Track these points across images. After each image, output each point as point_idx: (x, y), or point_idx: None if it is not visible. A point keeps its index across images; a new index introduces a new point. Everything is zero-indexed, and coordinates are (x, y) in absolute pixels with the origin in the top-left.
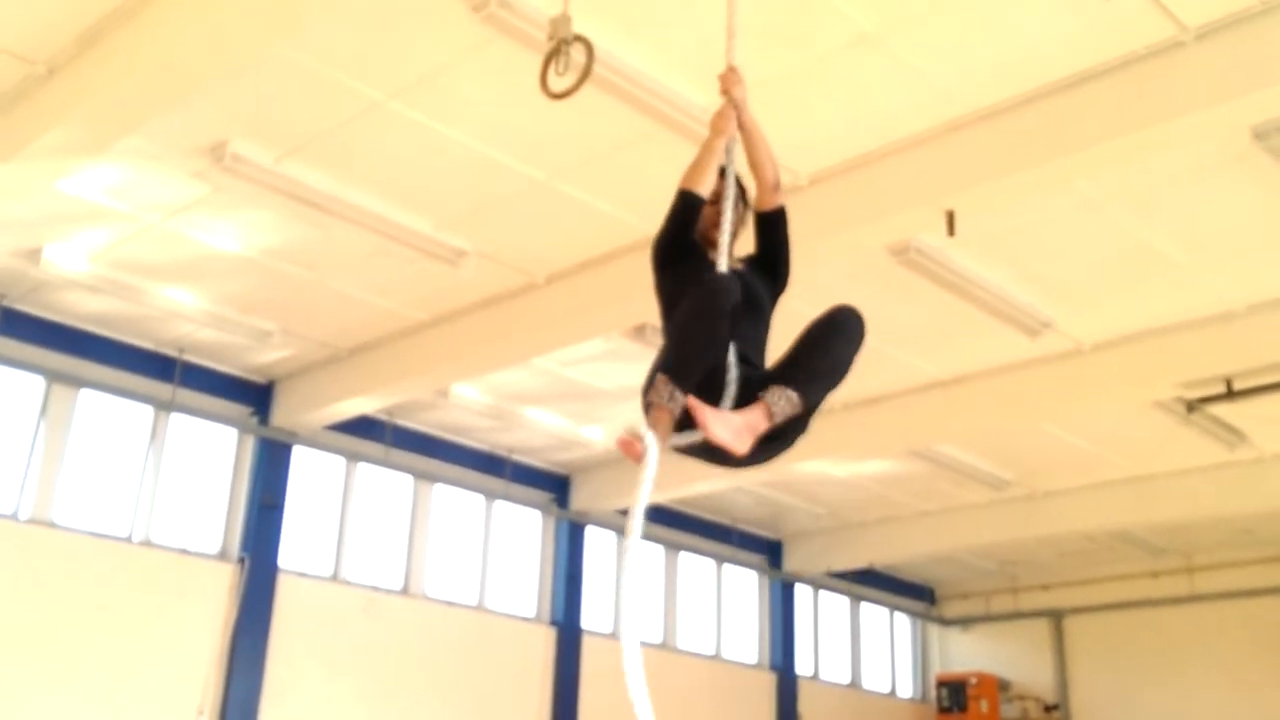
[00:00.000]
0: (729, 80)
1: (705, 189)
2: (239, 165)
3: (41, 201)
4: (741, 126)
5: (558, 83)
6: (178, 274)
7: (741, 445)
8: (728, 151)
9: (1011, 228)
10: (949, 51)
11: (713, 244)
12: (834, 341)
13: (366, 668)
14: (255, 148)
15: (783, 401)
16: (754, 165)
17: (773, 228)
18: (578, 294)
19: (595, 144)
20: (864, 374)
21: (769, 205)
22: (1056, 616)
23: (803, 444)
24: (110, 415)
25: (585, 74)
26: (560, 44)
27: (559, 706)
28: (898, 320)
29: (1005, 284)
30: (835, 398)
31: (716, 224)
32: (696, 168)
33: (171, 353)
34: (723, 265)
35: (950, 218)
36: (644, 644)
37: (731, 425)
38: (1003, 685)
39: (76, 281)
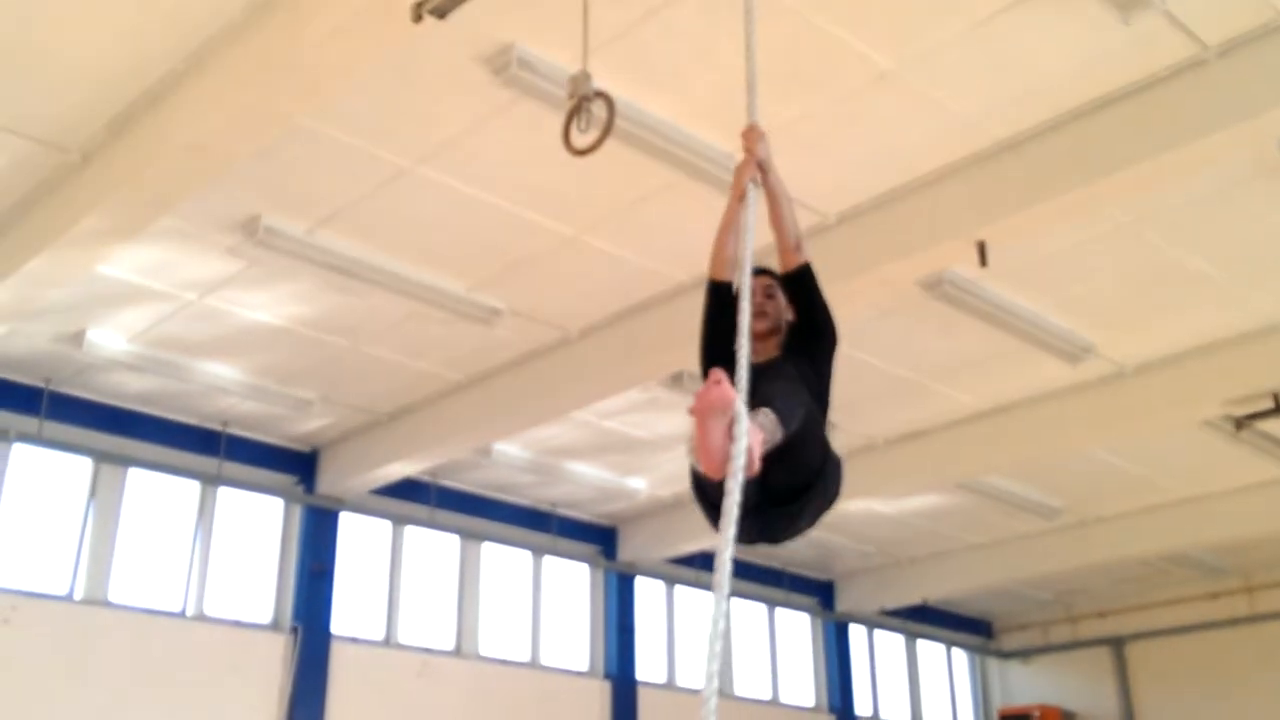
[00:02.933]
0: (750, 138)
1: (731, 268)
2: (272, 239)
3: (81, 286)
4: (765, 185)
5: (581, 139)
6: (217, 349)
7: (708, 455)
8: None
9: (1045, 255)
10: (970, 83)
11: (755, 336)
12: (786, 393)
13: None
14: (287, 220)
15: (763, 416)
16: (774, 225)
17: (801, 287)
18: (612, 346)
19: (621, 197)
20: (906, 409)
21: (792, 266)
22: (1117, 644)
23: (849, 482)
24: (158, 492)
25: (607, 129)
26: (581, 101)
27: None
28: (935, 354)
29: (1042, 312)
30: (878, 433)
31: (757, 315)
32: (717, 242)
33: (215, 427)
34: (742, 374)
35: (982, 249)
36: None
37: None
38: (1066, 716)
39: (119, 362)
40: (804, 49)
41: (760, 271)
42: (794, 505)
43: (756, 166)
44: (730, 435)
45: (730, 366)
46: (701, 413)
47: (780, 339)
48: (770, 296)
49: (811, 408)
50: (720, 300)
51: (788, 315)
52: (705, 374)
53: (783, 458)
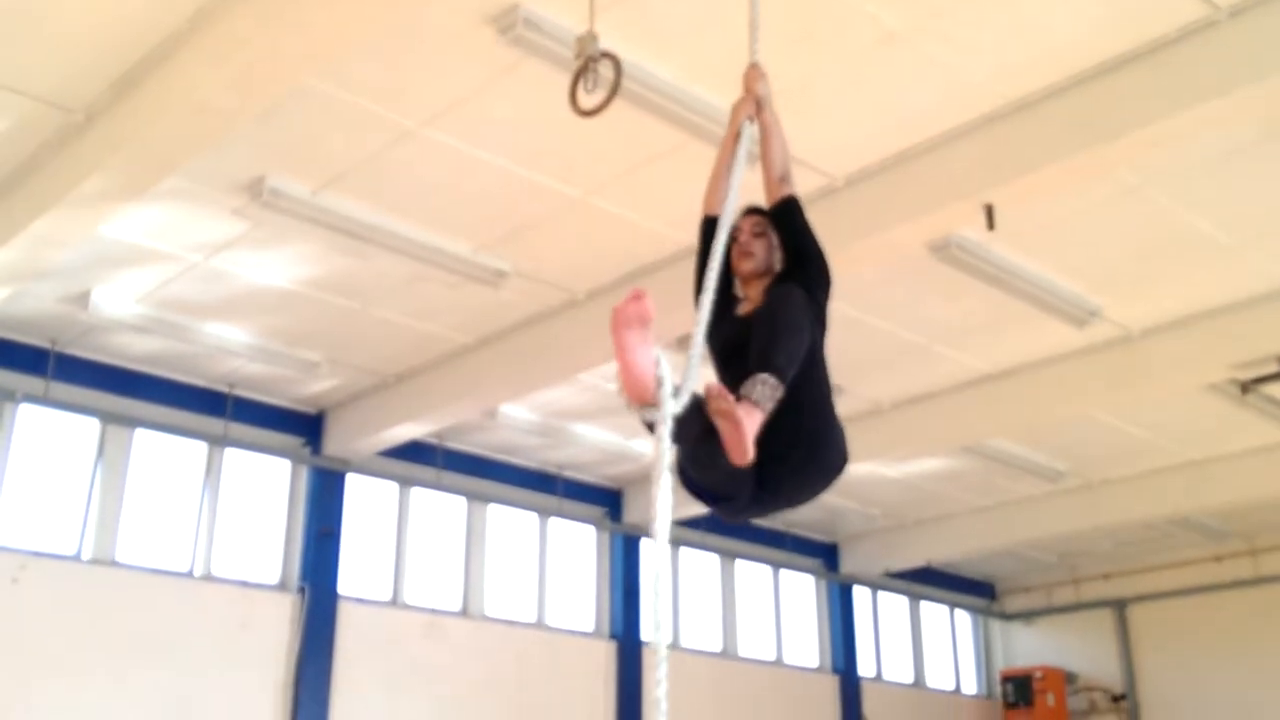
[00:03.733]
0: (750, 77)
1: (721, 201)
2: (277, 200)
3: (86, 247)
4: (760, 122)
5: (587, 100)
6: (224, 310)
7: (743, 450)
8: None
9: (1052, 218)
10: (979, 44)
11: (740, 276)
12: (776, 316)
13: (430, 690)
14: (292, 182)
15: (758, 387)
16: (763, 159)
17: (787, 220)
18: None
19: (628, 158)
20: (912, 372)
21: (776, 198)
22: (1119, 606)
23: (854, 445)
24: (165, 453)
25: (614, 90)
26: (588, 62)
27: (622, 718)
28: (942, 317)
29: (1049, 275)
30: (884, 397)
31: (744, 254)
32: (712, 178)
33: (222, 388)
34: (702, 316)
35: (989, 211)
36: (704, 653)
37: (753, 424)
38: (1069, 678)
39: (125, 323)
40: (812, 9)
41: (752, 211)
42: (789, 467)
43: (754, 104)
44: (653, 357)
45: (727, 307)
46: (616, 328)
47: (769, 283)
48: (759, 235)
49: (820, 348)
50: (711, 231)
51: (778, 257)
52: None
53: (783, 410)
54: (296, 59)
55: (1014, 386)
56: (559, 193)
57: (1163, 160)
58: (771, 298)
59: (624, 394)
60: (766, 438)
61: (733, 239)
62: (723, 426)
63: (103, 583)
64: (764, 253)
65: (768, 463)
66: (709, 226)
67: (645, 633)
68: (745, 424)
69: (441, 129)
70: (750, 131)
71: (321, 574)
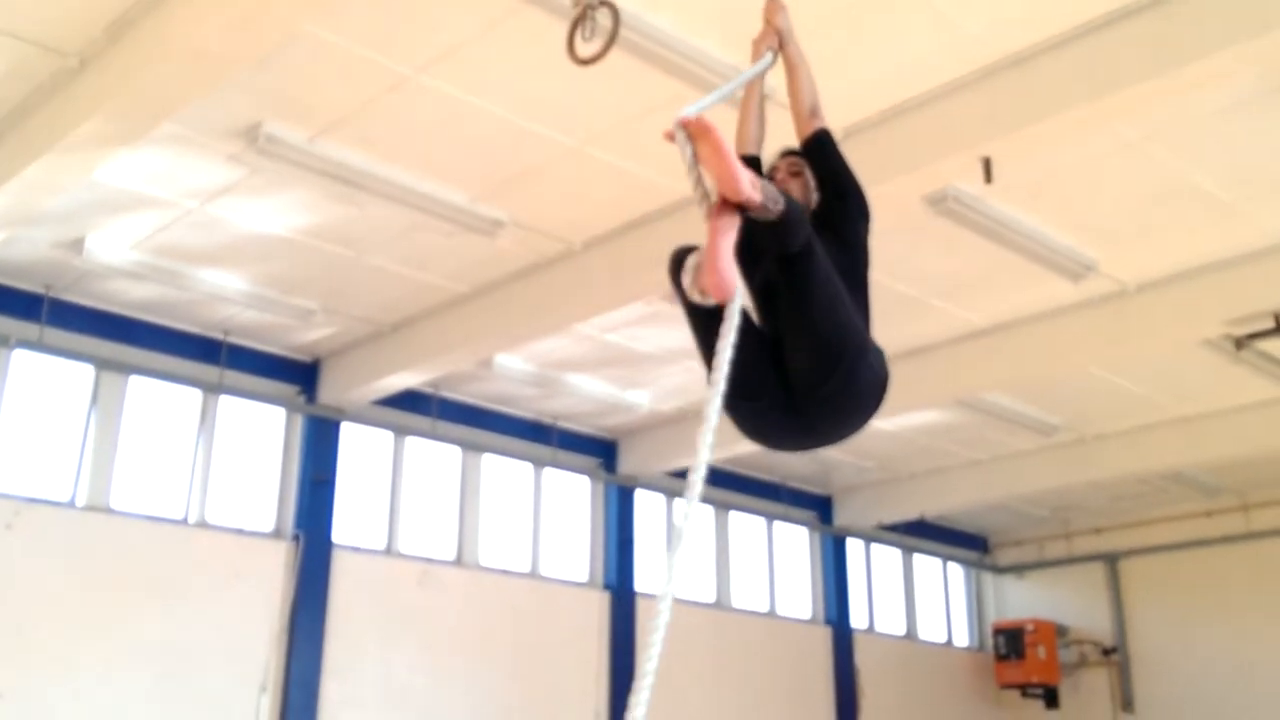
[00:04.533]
0: (770, 9)
1: (752, 141)
2: (273, 146)
3: (80, 192)
4: (784, 55)
5: (585, 49)
6: (219, 257)
7: (745, 185)
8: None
9: (1050, 172)
10: None
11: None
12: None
13: (424, 638)
14: (288, 128)
15: (768, 187)
16: (790, 94)
17: (819, 154)
18: (616, 259)
19: (626, 108)
20: (908, 325)
21: (806, 133)
22: (1111, 560)
23: None
24: (159, 400)
25: (612, 39)
26: (586, 9)
27: (615, 669)
28: (938, 270)
29: (1046, 229)
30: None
31: (790, 175)
32: (739, 120)
33: (217, 335)
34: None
35: (987, 164)
36: (698, 604)
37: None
38: (1060, 631)
39: (119, 270)
40: None
41: (788, 153)
42: (818, 396)
43: (775, 37)
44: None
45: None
46: (717, 230)
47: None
48: (795, 174)
49: (825, 269)
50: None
51: (815, 197)
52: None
53: (795, 319)
54: (293, 4)
55: (1009, 340)
56: (556, 142)
57: (1161, 114)
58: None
59: (701, 288)
60: (788, 360)
61: (769, 180)
62: (706, 157)
63: (97, 530)
64: (800, 192)
65: (800, 383)
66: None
67: (639, 583)
68: (734, 160)
69: (438, 76)
70: (768, 60)
71: (316, 522)
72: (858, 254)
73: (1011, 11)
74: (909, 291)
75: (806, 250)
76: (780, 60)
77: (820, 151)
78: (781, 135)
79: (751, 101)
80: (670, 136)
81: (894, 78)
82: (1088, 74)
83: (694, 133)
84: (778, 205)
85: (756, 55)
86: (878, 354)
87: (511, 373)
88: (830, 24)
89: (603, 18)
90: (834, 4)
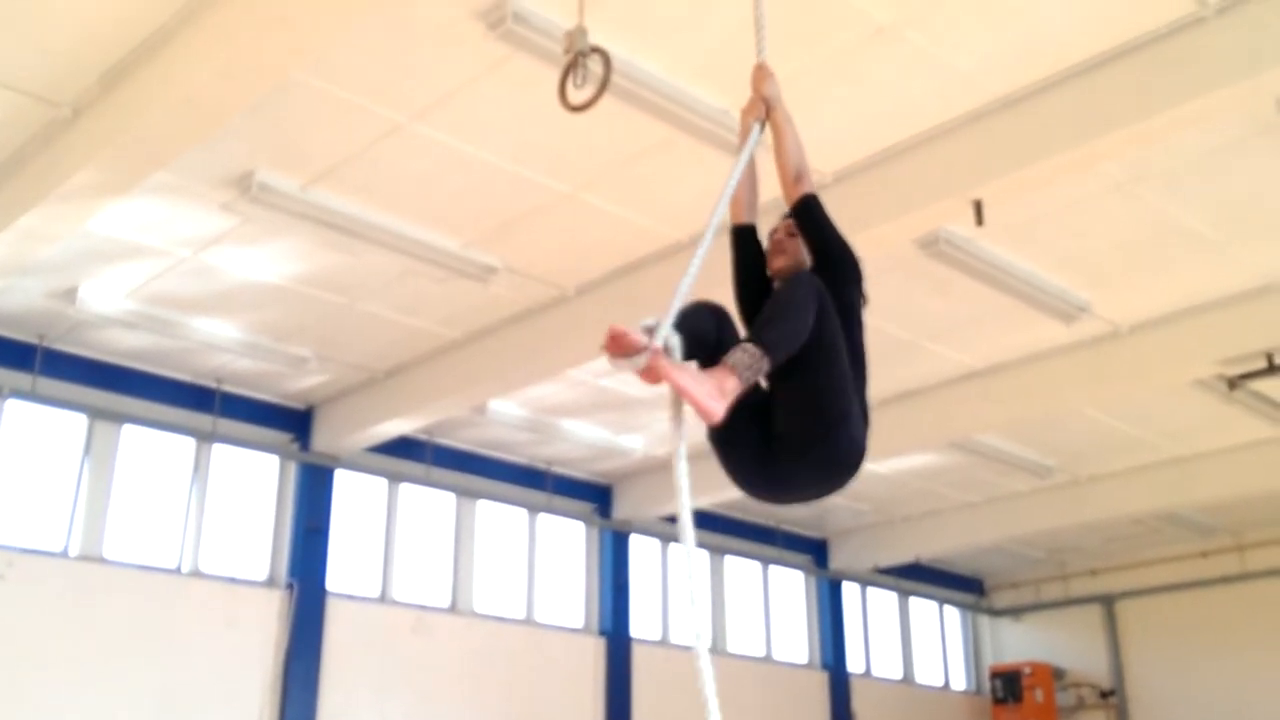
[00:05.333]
0: (757, 77)
1: (745, 211)
2: (266, 195)
3: (74, 242)
4: (771, 122)
5: (577, 95)
6: (212, 306)
7: (715, 407)
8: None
9: (1041, 214)
10: (967, 39)
11: (774, 273)
12: (779, 296)
13: (419, 686)
14: (281, 177)
15: (739, 353)
16: (777, 161)
17: (807, 220)
18: (608, 304)
19: (617, 154)
20: (900, 368)
21: (793, 198)
22: (1108, 601)
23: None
24: (153, 449)
25: (603, 85)
26: (577, 56)
27: (611, 715)
28: (930, 313)
29: (1037, 271)
30: (873, 393)
31: (778, 252)
32: (735, 190)
33: (210, 384)
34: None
35: (978, 207)
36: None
37: (703, 383)
38: (1057, 674)
39: (113, 319)
40: (801, 4)
41: (790, 214)
42: (797, 456)
43: (762, 106)
44: (719, 388)
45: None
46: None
47: None
48: (793, 234)
49: (830, 335)
50: (744, 244)
51: (808, 256)
52: (743, 318)
53: (788, 381)
54: (284, 53)
55: (1002, 382)
56: (548, 188)
57: (1151, 156)
58: (785, 281)
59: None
60: (774, 415)
61: (771, 233)
62: (692, 395)
63: (90, 579)
64: (796, 251)
65: (779, 443)
66: (738, 234)
67: (635, 628)
68: (693, 387)
69: (430, 124)
70: (756, 134)
71: (310, 570)
72: (851, 317)
73: (1000, 55)
74: (902, 334)
75: (811, 340)
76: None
77: (808, 218)
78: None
79: (742, 172)
80: (620, 350)
81: (884, 121)
82: (1077, 116)
83: (648, 379)
84: (762, 366)
85: (744, 126)
86: (859, 421)
87: (505, 418)
88: (820, 69)
89: (594, 64)
90: (824, 49)
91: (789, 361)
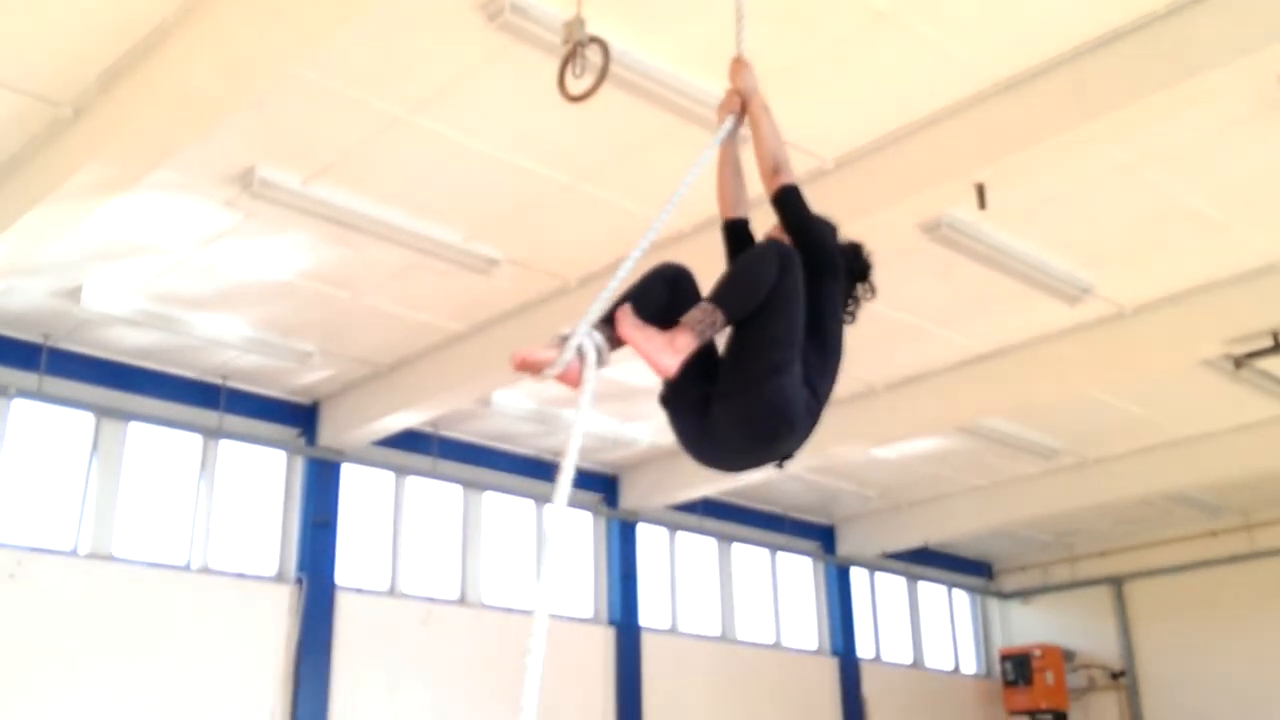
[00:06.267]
0: (732, 71)
1: (730, 205)
2: (268, 190)
3: (77, 241)
4: (750, 115)
5: (576, 85)
6: (216, 302)
7: (667, 362)
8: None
9: (1043, 196)
10: (967, 22)
11: None
12: (741, 257)
13: (429, 678)
14: (282, 172)
15: (694, 311)
16: (755, 153)
17: (784, 211)
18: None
19: (618, 143)
20: (905, 353)
21: (770, 190)
22: (1117, 583)
23: (848, 427)
24: (160, 446)
25: (602, 75)
26: (576, 46)
27: (622, 705)
28: (934, 297)
29: (1041, 253)
30: (877, 378)
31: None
32: (717, 184)
33: (215, 380)
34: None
35: (980, 191)
36: (702, 637)
37: (654, 339)
38: (1067, 656)
39: (117, 317)
40: None
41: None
42: (725, 402)
43: (737, 98)
44: (670, 345)
45: None
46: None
47: None
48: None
49: (784, 294)
50: (735, 238)
51: None
52: None
53: (737, 333)
54: (284, 48)
55: (1007, 365)
56: (549, 179)
57: (1154, 136)
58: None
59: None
60: (721, 375)
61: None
62: (646, 351)
63: (100, 577)
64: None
65: (715, 392)
66: (727, 228)
67: (643, 618)
68: (644, 344)
69: (430, 117)
70: (728, 127)
71: (318, 565)
72: (825, 308)
73: (1001, 37)
74: (906, 319)
75: (766, 299)
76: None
77: (782, 210)
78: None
79: (726, 164)
80: (530, 369)
81: (885, 107)
82: (1078, 97)
83: (567, 384)
84: (716, 320)
85: (719, 120)
86: (797, 383)
87: (511, 410)
88: (820, 55)
89: (593, 54)
90: (825, 35)
91: (744, 319)
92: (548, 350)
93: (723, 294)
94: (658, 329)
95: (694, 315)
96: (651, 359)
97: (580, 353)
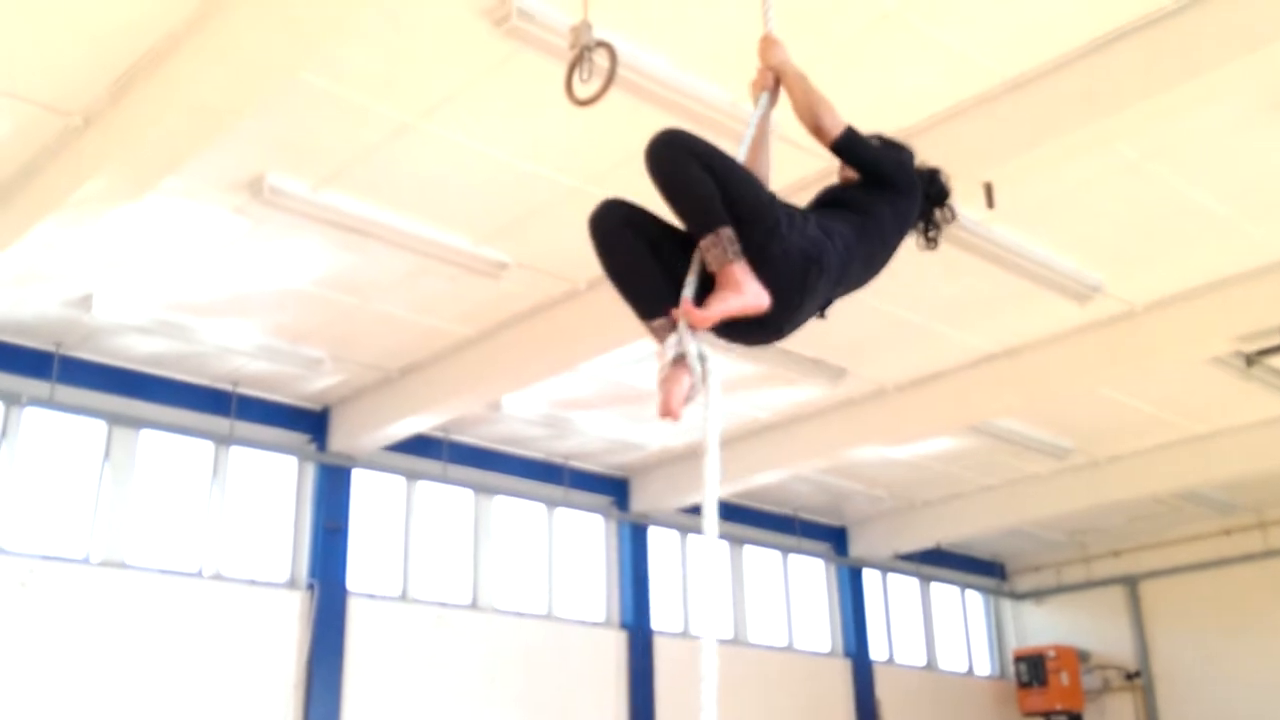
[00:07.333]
0: (764, 48)
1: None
2: (277, 197)
3: (87, 249)
4: (785, 87)
5: (583, 90)
6: (226, 309)
7: (755, 299)
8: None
9: (1051, 195)
10: (973, 22)
11: None
12: (666, 186)
13: (442, 684)
14: (291, 179)
15: (711, 253)
16: (799, 120)
17: (848, 158)
18: (620, 297)
19: (625, 147)
20: (915, 353)
21: (825, 145)
22: (1131, 582)
23: (859, 428)
24: (171, 453)
25: (609, 79)
26: (583, 51)
27: (635, 709)
28: (944, 297)
29: (1050, 252)
30: (888, 378)
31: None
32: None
33: (226, 387)
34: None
35: (988, 190)
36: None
37: (726, 300)
38: (1082, 656)
39: (128, 325)
40: None
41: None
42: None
43: (769, 74)
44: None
45: None
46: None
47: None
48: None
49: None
50: None
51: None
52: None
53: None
54: (292, 55)
55: (1018, 365)
56: (557, 183)
57: (1161, 134)
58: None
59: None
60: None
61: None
62: (733, 311)
63: (112, 585)
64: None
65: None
66: None
67: (656, 621)
68: (726, 309)
69: (438, 122)
70: (764, 104)
71: (330, 570)
72: (890, 218)
73: (1008, 36)
74: (915, 319)
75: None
76: (781, 94)
77: (848, 158)
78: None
79: (760, 142)
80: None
81: (891, 106)
82: (1086, 96)
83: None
84: (721, 237)
85: (755, 99)
86: (812, 232)
87: (520, 414)
88: (828, 53)
89: (600, 58)
90: (832, 34)
91: (732, 212)
92: (676, 382)
93: (694, 219)
94: (713, 294)
95: (713, 255)
96: (745, 310)
97: (701, 360)
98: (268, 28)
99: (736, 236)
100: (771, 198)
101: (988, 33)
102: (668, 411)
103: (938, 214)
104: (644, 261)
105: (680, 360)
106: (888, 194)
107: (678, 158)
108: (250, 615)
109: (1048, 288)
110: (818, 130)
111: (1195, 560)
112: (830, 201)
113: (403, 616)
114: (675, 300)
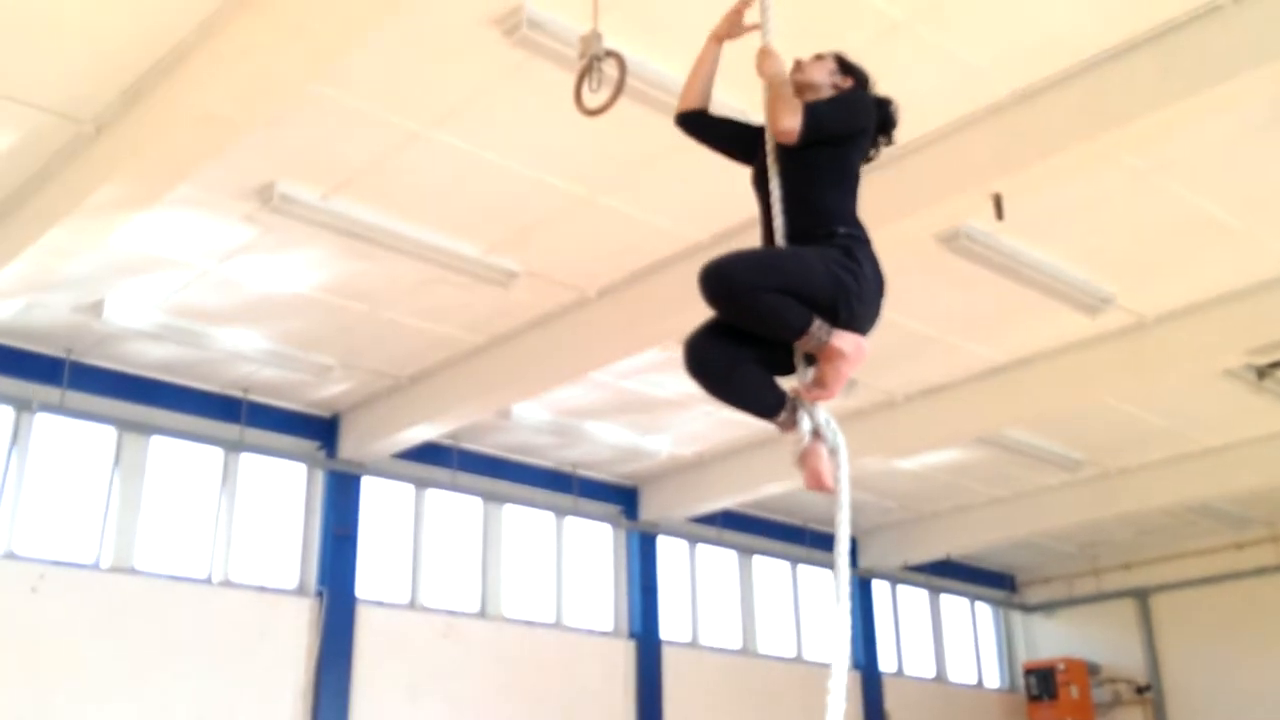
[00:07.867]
0: (759, 62)
1: (694, 98)
2: (287, 205)
3: (99, 256)
4: (770, 95)
5: (592, 99)
6: (237, 316)
7: (862, 347)
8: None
9: (1061, 206)
10: (983, 33)
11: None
12: (763, 314)
13: (450, 691)
14: (302, 187)
15: (817, 336)
16: (769, 125)
17: (815, 137)
18: (629, 306)
19: (634, 156)
20: (925, 364)
21: (787, 142)
22: (1142, 595)
23: (869, 439)
24: (181, 460)
25: (619, 88)
26: (592, 60)
27: (642, 717)
28: (954, 308)
29: (1060, 263)
30: (898, 389)
31: (801, 90)
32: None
33: (237, 394)
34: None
35: (998, 201)
36: (723, 650)
37: (838, 366)
38: (1092, 669)
39: (139, 331)
40: (815, 1)
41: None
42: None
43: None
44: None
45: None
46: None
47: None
48: (801, 72)
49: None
50: (706, 128)
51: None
52: (756, 186)
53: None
54: (302, 65)
55: (1028, 376)
56: (567, 192)
57: (1171, 145)
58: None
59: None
60: None
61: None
62: (849, 374)
63: (121, 591)
64: (815, 77)
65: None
66: (697, 125)
67: (664, 630)
68: (842, 365)
69: (448, 131)
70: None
71: (339, 577)
72: (854, 150)
73: (1016, 48)
74: (925, 330)
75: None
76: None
77: (815, 140)
78: None
79: (709, 61)
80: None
81: (901, 117)
82: (1096, 107)
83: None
84: (817, 329)
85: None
86: (857, 258)
87: (530, 422)
88: None
89: (609, 68)
90: (842, 44)
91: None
92: (817, 454)
93: (786, 334)
94: (821, 365)
95: (813, 345)
96: (857, 365)
97: (832, 428)
98: (278, 37)
99: (823, 319)
100: (825, 267)
101: (997, 44)
102: (821, 485)
103: (881, 139)
104: (745, 375)
105: (816, 434)
106: (856, 138)
107: (741, 297)
108: (259, 622)
109: (1058, 299)
110: (782, 131)
111: (1207, 573)
112: (811, 163)
113: (411, 624)
114: (781, 376)
